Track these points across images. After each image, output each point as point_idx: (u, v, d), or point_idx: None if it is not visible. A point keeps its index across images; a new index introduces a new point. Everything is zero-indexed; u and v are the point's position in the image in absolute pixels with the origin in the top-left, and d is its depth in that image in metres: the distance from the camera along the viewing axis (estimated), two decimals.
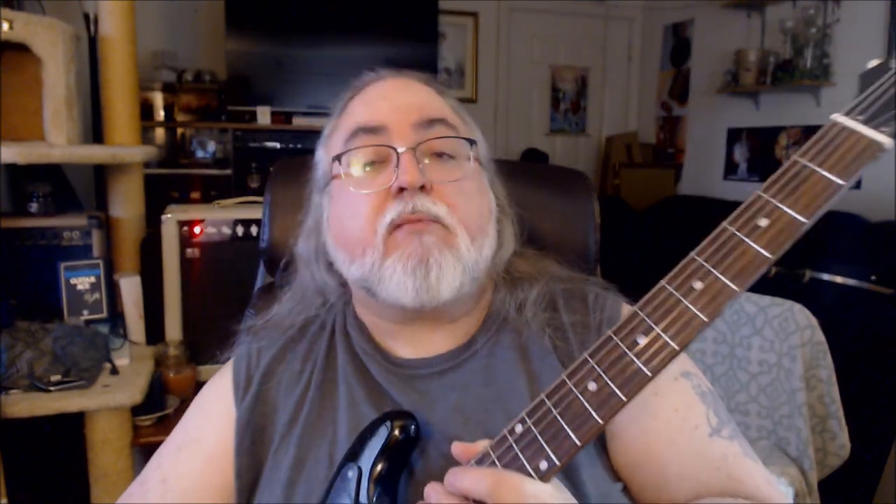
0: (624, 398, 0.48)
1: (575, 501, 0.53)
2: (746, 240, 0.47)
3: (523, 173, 0.96)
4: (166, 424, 1.72)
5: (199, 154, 3.74)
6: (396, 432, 0.62)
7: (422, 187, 0.65)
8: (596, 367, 0.50)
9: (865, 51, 3.24)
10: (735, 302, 0.47)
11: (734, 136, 4.12)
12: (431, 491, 0.54)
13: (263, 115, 3.64)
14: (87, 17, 2.42)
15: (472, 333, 0.72)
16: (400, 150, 0.66)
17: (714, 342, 1.83)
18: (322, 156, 0.76)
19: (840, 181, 0.45)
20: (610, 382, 0.49)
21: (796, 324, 1.66)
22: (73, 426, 1.63)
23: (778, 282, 2.61)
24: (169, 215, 1.90)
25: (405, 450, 0.63)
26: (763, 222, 0.47)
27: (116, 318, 1.87)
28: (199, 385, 1.87)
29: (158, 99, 3.70)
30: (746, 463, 0.63)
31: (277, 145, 3.66)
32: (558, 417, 0.50)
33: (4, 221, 1.94)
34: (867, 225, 2.71)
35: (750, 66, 3.75)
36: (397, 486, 0.63)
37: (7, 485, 1.50)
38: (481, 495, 0.51)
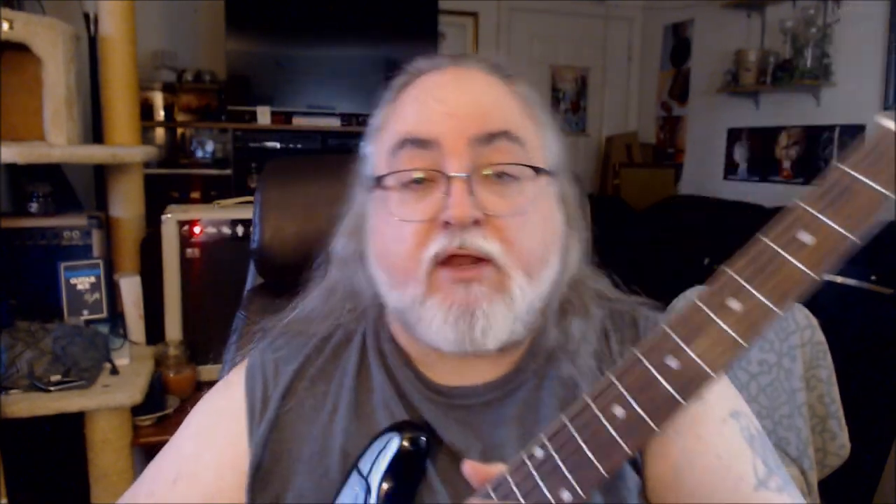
0: (655, 427, 0.44)
1: None
2: (790, 257, 0.42)
3: None
4: (166, 424, 1.72)
5: (199, 154, 3.74)
6: (406, 444, 0.58)
7: (475, 221, 0.56)
8: (623, 390, 0.46)
9: (865, 51, 3.24)
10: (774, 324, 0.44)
11: (734, 135, 4.12)
12: None
13: (263, 115, 3.64)
14: (87, 17, 2.42)
15: (519, 360, 0.65)
16: (451, 174, 0.57)
17: None
18: (370, 150, 0.66)
19: (894, 196, 0.40)
20: (638, 408, 0.45)
21: (796, 324, 1.65)
22: (73, 426, 1.63)
23: None
24: (169, 215, 1.89)
25: (416, 464, 0.59)
26: (806, 238, 0.42)
27: (116, 318, 1.87)
28: (199, 385, 1.87)
29: (158, 99, 3.70)
30: None
31: (277, 145, 3.66)
32: (582, 444, 0.46)
33: (4, 221, 1.94)
34: None
35: (750, 66, 3.75)
36: (406, 502, 0.59)
37: (7, 485, 1.50)
38: None
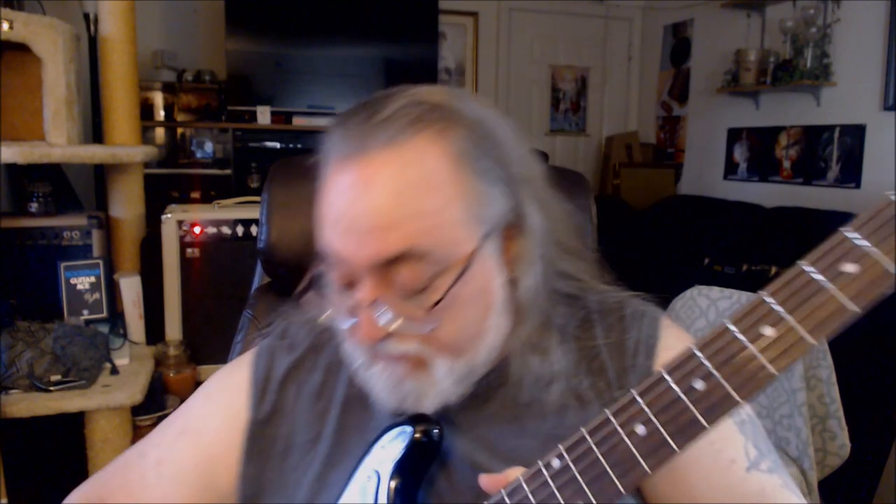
0: (676, 448, 0.44)
1: None
2: (830, 287, 0.41)
3: None
4: None
5: (199, 154, 3.74)
6: (419, 436, 0.59)
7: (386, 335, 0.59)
8: (646, 408, 0.45)
9: (865, 51, 3.24)
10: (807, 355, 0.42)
11: (734, 135, 4.12)
12: None
13: (263, 115, 3.64)
14: (87, 17, 2.42)
15: (501, 357, 0.66)
16: (356, 301, 0.59)
17: None
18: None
19: None
20: (661, 428, 0.44)
21: None
22: (73, 426, 1.63)
23: None
24: (169, 215, 1.90)
25: (427, 456, 0.60)
26: (850, 269, 0.40)
27: (116, 318, 1.87)
28: (199, 385, 1.88)
29: (158, 99, 3.70)
30: (785, 496, 0.59)
31: (277, 145, 3.66)
32: (601, 459, 0.46)
33: (4, 221, 1.94)
34: None
35: (750, 66, 3.75)
36: (416, 493, 0.60)
37: (7, 485, 1.50)
38: None
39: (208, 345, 1.95)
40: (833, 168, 3.45)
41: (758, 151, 3.94)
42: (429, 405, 0.61)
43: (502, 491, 0.50)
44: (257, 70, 3.73)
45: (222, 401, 0.73)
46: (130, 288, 1.92)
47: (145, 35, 2.67)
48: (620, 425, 0.46)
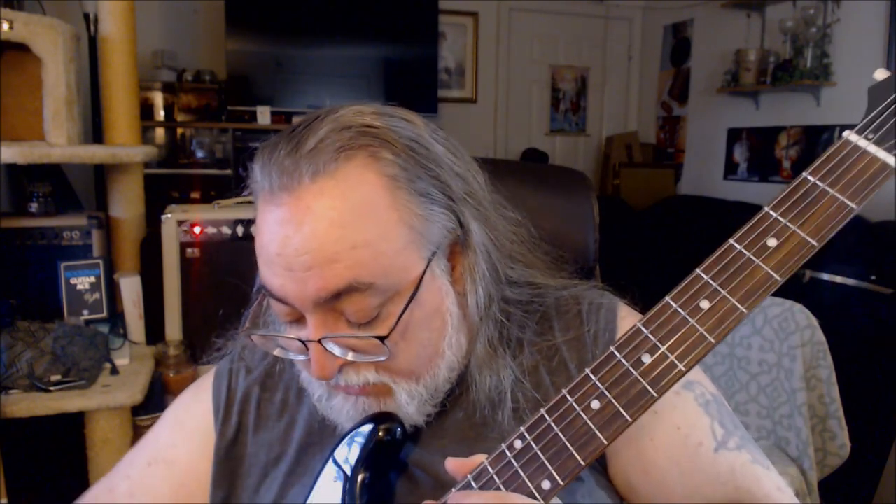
0: (629, 418, 0.47)
1: None
2: (756, 260, 0.46)
3: (523, 173, 0.96)
4: None
5: (199, 154, 3.74)
6: (381, 434, 0.60)
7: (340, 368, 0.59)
8: (598, 384, 0.49)
9: (865, 51, 3.24)
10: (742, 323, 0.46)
11: (734, 135, 4.12)
12: None
13: (263, 115, 3.64)
14: (87, 17, 2.42)
15: (460, 373, 0.66)
16: (304, 340, 0.57)
17: None
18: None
19: (853, 205, 0.44)
20: (614, 401, 0.48)
21: (796, 324, 1.65)
22: (73, 426, 1.63)
23: None
24: (169, 215, 1.89)
25: (390, 453, 0.62)
26: (772, 242, 0.46)
27: (116, 318, 1.87)
28: None
29: (158, 99, 3.70)
30: (756, 471, 0.60)
31: None
32: (560, 435, 0.49)
33: (4, 221, 1.94)
34: (867, 225, 2.71)
35: (750, 66, 3.75)
36: (382, 491, 0.62)
37: (7, 485, 1.50)
38: None
39: (208, 345, 1.95)
40: None
41: (758, 151, 3.94)
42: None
43: (469, 476, 0.52)
44: (257, 70, 3.73)
45: (189, 426, 0.73)
46: (130, 288, 1.92)
47: (145, 35, 2.66)
48: (576, 401, 0.49)
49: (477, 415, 0.64)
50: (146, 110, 3.50)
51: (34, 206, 1.98)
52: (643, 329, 0.48)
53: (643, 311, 0.70)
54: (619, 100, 5.01)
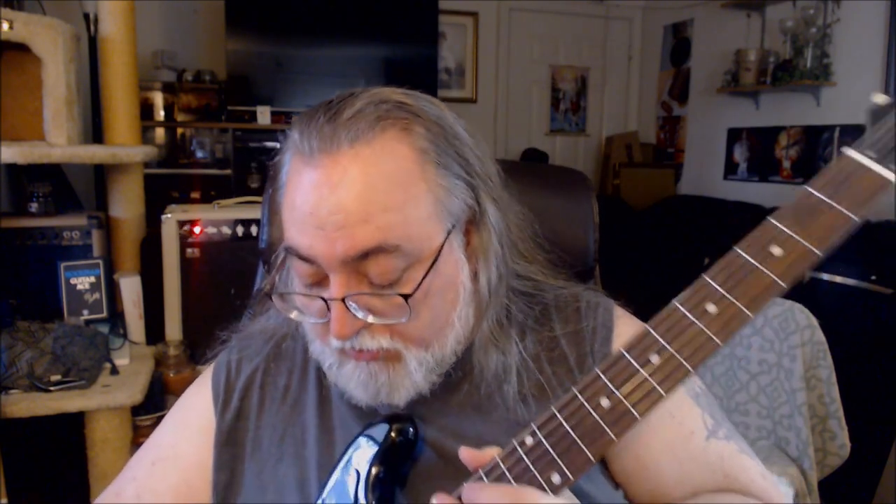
0: (638, 416, 0.49)
1: None
2: (761, 267, 0.47)
3: (523, 173, 0.96)
4: None
5: (199, 154, 3.74)
6: (394, 435, 0.62)
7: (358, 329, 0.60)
8: (608, 383, 0.50)
9: (865, 51, 3.24)
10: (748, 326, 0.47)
11: (734, 135, 4.12)
12: (440, 501, 0.53)
13: (263, 115, 3.64)
14: (87, 17, 2.42)
15: (466, 348, 0.69)
16: (327, 298, 0.59)
17: None
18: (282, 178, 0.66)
19: (855, 217, 0.46)
20: (624, 399, 0.49)
21: (796, 323, 1.65)
22: (73, 426, 1.63)
23: None
24: (169, 215, 1.90)
25: (404, 453, 0.63)
26: (777, 251, 0.47)
27: (116, 318, 1.87)
28: None
29: (158, 99, 3.69)
30: (742, 460, 0.65)
31: (277, 145, 3.64)
32: (570, 432, 0.51)
33: (4, 221, 1.94)
34: (867, 225, 2.70)
35: (750, 66, 3.75)
36: (395, 490, 0.62)
37: (7, 485, 1.50)
38: None
39: (208, 345, 1.95)
40: None
41: (758, 151, 3.94)
42: (402, 397, 0.63)
43: (480, 471, 0.53)
44: (257, 70, 3.73)
45: (190, 421, 0.74)
46: (130, 288, 1.92)
47: (145, 35, 2.67)
48: (586, 400, 0.51)
49: (483, 391, 0.67)
50: (146, 110, 3.49)
51: (34, 206, 1.98)
52: (651, 331, 0.50)
53: (637, 313, 0.74)
54: (619, 100, 5.01)
